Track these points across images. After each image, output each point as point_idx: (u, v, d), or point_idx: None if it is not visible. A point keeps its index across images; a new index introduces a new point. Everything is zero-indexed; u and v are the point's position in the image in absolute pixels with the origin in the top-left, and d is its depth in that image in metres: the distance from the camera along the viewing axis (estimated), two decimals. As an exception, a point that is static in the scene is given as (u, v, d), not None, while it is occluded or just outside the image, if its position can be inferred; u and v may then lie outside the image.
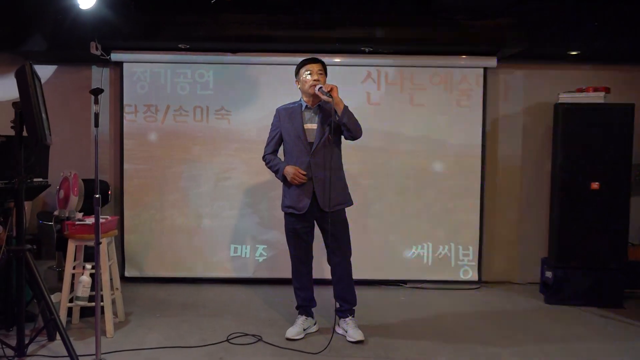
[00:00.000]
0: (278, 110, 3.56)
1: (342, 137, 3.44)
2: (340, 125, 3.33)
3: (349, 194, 3.55)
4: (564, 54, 4.65)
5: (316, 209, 3.40)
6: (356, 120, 3.35)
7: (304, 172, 3.35)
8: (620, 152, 4.29)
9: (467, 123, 4.78)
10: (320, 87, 3.29)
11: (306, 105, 3.45)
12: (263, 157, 3.59)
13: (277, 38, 4.39)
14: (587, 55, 4.68)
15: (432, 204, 4.81)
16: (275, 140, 3.54)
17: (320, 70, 3.40)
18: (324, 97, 3.28)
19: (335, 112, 3.28)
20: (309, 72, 3.38)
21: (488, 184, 4.88)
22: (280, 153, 3.59)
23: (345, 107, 3.29)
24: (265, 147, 3.59)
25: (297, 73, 3.48)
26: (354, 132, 3.34)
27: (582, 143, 4.31)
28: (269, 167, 3.57)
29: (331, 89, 3.26)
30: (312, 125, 3.41)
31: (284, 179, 3.47)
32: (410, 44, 4.46)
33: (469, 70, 4.76)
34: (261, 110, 4.76)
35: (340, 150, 3.50)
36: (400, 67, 4.76)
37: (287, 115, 3.48)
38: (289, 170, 3.39)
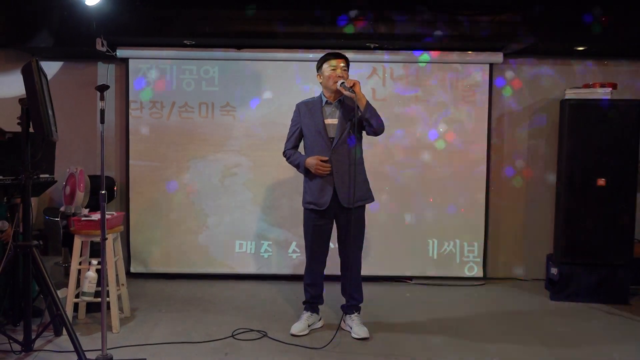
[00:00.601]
0: (298, 106, 3.52)
1: (364, 132, 3.42)
2: (361, 121, 3.30)
3: (370, 189, 3.52)
4: (570, 49, 4.63)
5: (337, 204, 3.37)
6: (378, 115, 3.32)
7: (326, 158, 3.32)
8: (627, 148, 4.26)
9: (473, 119, 4.77)
10: (343, 83, 3.25)
11: (327, 100, 3.42)
12: (283, 153, 3.55)
13: (282, 34, 4.37)
14: (593, 51, 4.65)
15: (437, 200, 4.80)
16: (296, 136, 3.50)
17: (344, 66, 3.35)
18: (347, 93, 3.26)
19: (358, 107, 3.25)
20: (333, 67, 3.33)
21: (493, 180, 4.87)
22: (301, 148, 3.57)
23: (368, 103, 3.27)
24: (286, 142, 3.54)
25: (319, 67, 3.43)
26: (377, 128, 3.31)
27: (589, 139, 4.29)
28: (290, 162, 3.52)
29: (354, 84, 3.22)
30: (332, 121, 3.38)
31: (306, 172, 3.44)
32: (416, 39, 4.44)
33: (475, 66, 4.74)
34: (266, 106, 4.76)
35: (361, 146, 3.47)
36: (405, 63, 4.74)
37: (307, 110, 3.44)
38: (311, 162, 3.35)
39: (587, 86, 4.42)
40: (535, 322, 3.81)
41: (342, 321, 3.53)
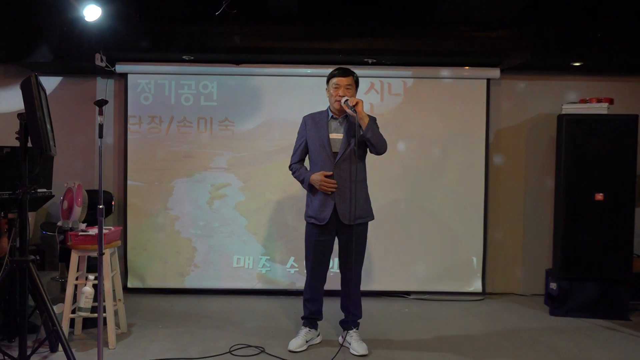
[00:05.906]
0: (305, 118, 3.52)
1: (368, 150, 3.40)
2: (364, 140, 3.29)
3: (371, 208, 3.51)
4: (567, 64, 4.66)
5: (337, 220, 3.36)
6: (381, 135, 3.31)
7: (330, 173, 3.31)
8: (624, 163, 4.28)
9: (471, 134, 4.78)
10: (347, 101, 3.26)
11: (332, 115, 3.43)
12: (289, 167, 3.56)
13: (280, 49, 4.41)
14: (590, 66, 4.69)
15: (436, 214, 4.80)
16: (301, 149, 3.50)
17: (348, 85, 3.35)
18: (349, 111, 3.26)
19: (360, 126, 3.25)
20: (336, 86, 3.35)
21: (492, 195, 4.87)
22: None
23: (370, 122, 3.26)
24: (292, 156, 3.55)
25: (327, 81, 3.45)
26: (378, 148, 3.30)
27: (586, 154, 4.30)
28: (295, 177, 3.53)
29: (356, 103, 3.22)
30: (337, 135, 3.38)
31: (309, 188, 3.43)
32: (414, 55, 4.47)
33: (472, 82, 4.77)
34: (265, 121, 4.78)
35: (364, 163, 3.46)
36: (403, 79, 4.77)
37: (313, 124, 3.45)
38: (315, 178, 3.35)
39: (584, 101, 4.44)
40: (534, 338, 3.78)
41: (341, 337, 3.50)
